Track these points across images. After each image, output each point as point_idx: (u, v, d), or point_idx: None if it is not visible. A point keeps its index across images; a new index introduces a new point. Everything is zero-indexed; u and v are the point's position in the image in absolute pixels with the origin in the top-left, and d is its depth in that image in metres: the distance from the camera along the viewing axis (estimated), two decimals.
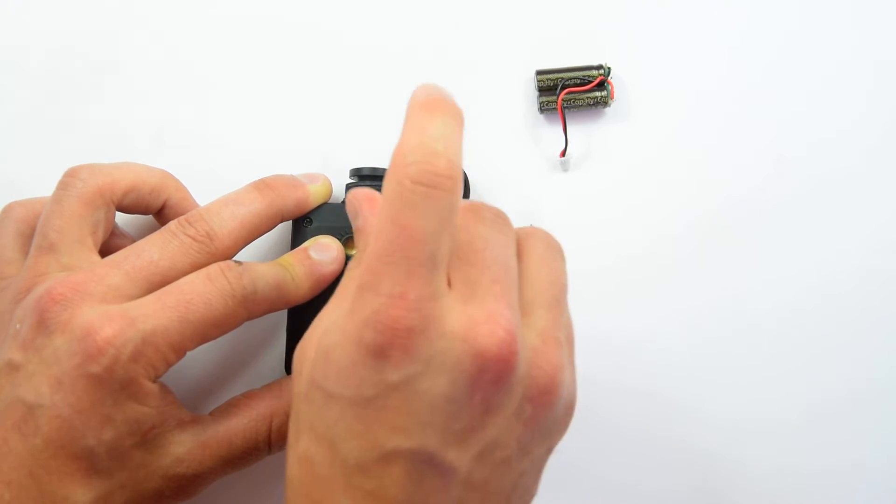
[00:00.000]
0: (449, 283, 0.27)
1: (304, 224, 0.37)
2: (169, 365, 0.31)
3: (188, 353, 0.32)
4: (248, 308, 0.32)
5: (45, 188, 0.35)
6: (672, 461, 0.40)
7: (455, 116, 0.26)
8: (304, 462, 0.26)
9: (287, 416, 0.34)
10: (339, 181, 0.39)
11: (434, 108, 0.26)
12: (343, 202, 0.38)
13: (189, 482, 0.32)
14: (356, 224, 0.32)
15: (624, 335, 0.41)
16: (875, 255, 0.41)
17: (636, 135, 0.41)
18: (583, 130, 0.41)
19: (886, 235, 0.41)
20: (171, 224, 0.33)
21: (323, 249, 0.36)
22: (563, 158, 0.41)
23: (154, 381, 0.31)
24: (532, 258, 0.29)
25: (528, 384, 0.27)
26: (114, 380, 0.30)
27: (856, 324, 0.41)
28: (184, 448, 0.32)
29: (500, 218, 0.29)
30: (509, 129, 0.41)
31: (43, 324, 0.30)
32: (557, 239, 0.31)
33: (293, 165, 0.40)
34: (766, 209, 0.41)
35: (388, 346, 0.25)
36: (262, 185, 0.35)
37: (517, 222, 0.40)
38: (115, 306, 0.30)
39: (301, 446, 0.27)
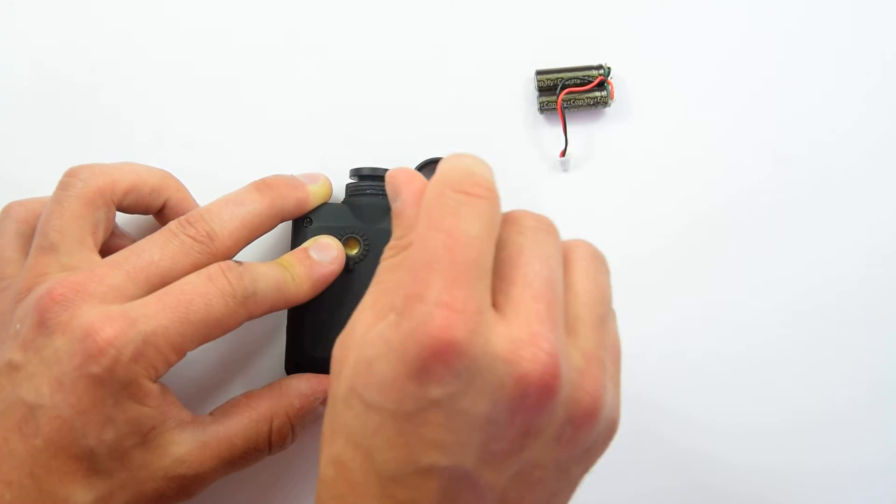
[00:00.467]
0: (497, 303, 0.26)
1: (304, 224, 0.37)
2: (169, 365, 0.31)
3: (188, 354, 0.32)
4: (249, 308, 0.32)
5: (45, 188, 0.35)
6: (670, 463, 0.40)
7: (489, 166, 0.28)
8: (338, 465, 0.26)
9: (287, 416, 0.34)
10: (338, 181, 0.39)
11: (468, 155, 0.28)
12: (343, 202, 0.38)
13: (189, 482, 0.32)
14: (395, 206, 0.30)
15: (623, 335, 0.41)
16: (876, 255, 0.41)
17: (636, 135, 0.41)
18: (583, 130, 0.41)
19: (887, 235, 0.41)
20: (172, 224, 0.33)
21: (323, 249, 0.35)
22: (563, 158, 0.41)
23: (154, 382, 0.31)
24: (578, 272, 0.29)
25: (571, 407, 0.26)
26: (114, 380, 0.30)
27: (857, 323, 0.41)
28: (184, 448, 0.32)
29: (542, 227, 0.28)
30: (509, 129, 0.41)
31: (43, 324, 0.30)
32: (601, 251, 0.30)
33: (293, 165, 0.40)
34: (766, 209, 0.41)
35: (432, 361, 0.24)
36: (262, 185, 0.35)
37: None
38: (116, 307, 0.30)
39: (336, 448, 0.26)
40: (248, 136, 0.41)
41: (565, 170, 0.41)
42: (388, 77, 0.41)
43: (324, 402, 0.35)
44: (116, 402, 0.30)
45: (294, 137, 0.41)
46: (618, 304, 0.40)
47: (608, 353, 0.28)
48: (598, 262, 0.30)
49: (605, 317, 0.29)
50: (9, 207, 0.36)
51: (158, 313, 0.30)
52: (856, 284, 0.41)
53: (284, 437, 0.35)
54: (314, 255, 0.35)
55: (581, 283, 0.28)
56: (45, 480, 0.29)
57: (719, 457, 0.40)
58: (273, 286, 0.33)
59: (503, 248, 0.27)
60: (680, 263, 0.41)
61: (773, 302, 0.41)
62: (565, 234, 0.41)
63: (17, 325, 0.31)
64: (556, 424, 0.26)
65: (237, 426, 0.33)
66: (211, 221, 0.34)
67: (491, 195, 0.26)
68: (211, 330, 0.32)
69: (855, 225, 0.41)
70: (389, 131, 0.41)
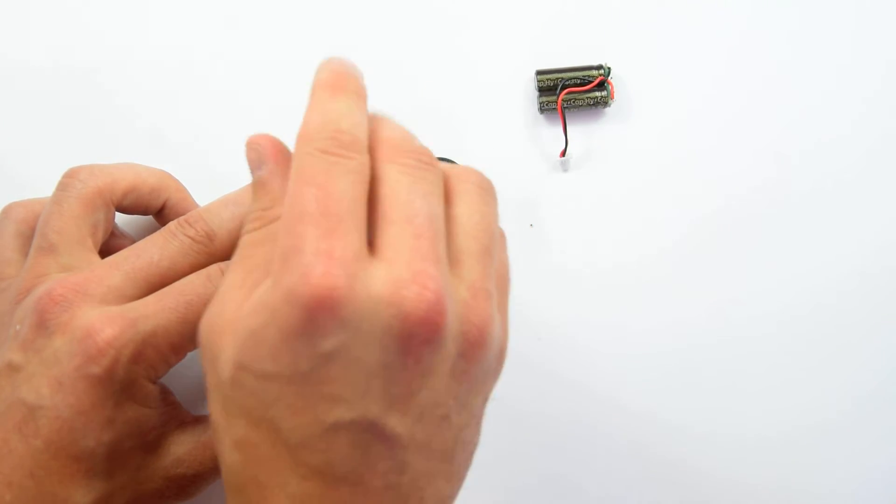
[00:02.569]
0: (371, 247, 0.26)
1: None
2: (169, 366, 0.31)
3: (188, 354, 0.32)
4: None
5: (45, 188, 0.35)
6: (666, 472, 0.40)
7: (358, 94, 0.27)
8: (243, 447, 0.26)
9: None
10: None
11: (337, 87, 0.27)
12: None
13: (190, 482, 0.32)
14: (259, 174, 0.29)
15: (623, 335, 0.41)
16: (878, 257, 0.41)
17: (636, 135, 0.41)
18: (583, 130, 0.41)
19: (890, 237, 0.41)
20: (171, 224, 0.33)
21: None
22: (563, 158, 0.41)
23: (154, 383, 0.31)
24: (462, 202, 0.28)
25: (460, 341, 0.26)
26: (114, 381, 0.30)
27: (858, 325, 0.41)
28: (184, 448, 0.32)
29: (423, 161, 0.27)
30: (509, 129, 0.41)
31: (43, 325, 0.30)
32: (489, 179, 0.30)
33: None
34: (766, 209, 0.41)
35: (318, 313, 0.24)
36: None
37: (517, 222, 0.41)
38: (116, 307, 0.30)
39: (236, 432, 0.26)
40: (248, 137, 0.41)
41: (565, 170, 0.41)
42: (388, 77, 0.41)
43: None
44: (116, 403, 0.30)
45: (294, 137, 0.41)
46: (617, 303, 0.41)
47: (494, 282, 0.28)
48: (483, 191, 0.29)
49: (489, 246, 0.28)
50: (8, 208, 0.36)
51: (158, 314, 0.30)
52: (857, 286, 0.41)
53: None
54: None
55: (465, 213, 0.28)
56: (45, 481, 0.29)
57: (720, 459, 0.40)
58: None
59: (382, 184, 0.27)
60: (680, 264, 0.41)
61: (774, 302, 0.41)
62: (564, 234, 0.41)
63: (17, 326, 0.31)
64: (448, 360, 0.26)
65: None
66: (210, 222, 0.34)
67: (359, 156, 0.26)
68: None
69: (856, 226, 0.41)
70: None
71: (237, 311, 0.26)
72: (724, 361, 0.41)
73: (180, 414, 0.32)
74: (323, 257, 0.24)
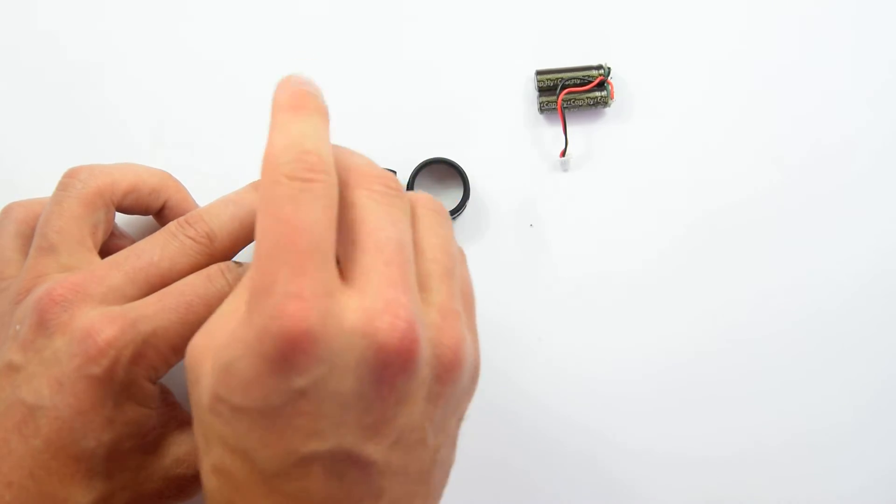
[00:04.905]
0: (342, 273, 0.26)
1: None
2: (169, 366, 0.31)
3: None
4: None
5: (45, 188, 0.35)
6: (670, 476, 0.40)
7: (319, 112, 0.27)
8: (219, 473, 0.26)
9: None
10: None
11: (298, 107, 0.27)
12: None
13: (189, 483, 0.32)
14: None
15: (623, 335, 0.41)
16: (879, 259, 0.41)
17: (636, 135, 0.41)
18: (583, 130, 0.41)
19: (891, 240, 0.41)
20: (171, 225, 0.33)
21: None
22: (563, 158, 0.41)
23: (154, 383, 0.31)
24: (421, 227, 0.29)
25: (435, 364, 0.26)
26: (114, 381, 0.30)
27: (859, 328, 0.41)
28: (184, 449, 0.32)
29: (391, 187, 0.28)
30: (509, 129, 0.41)
31: (43, 325, 0.30)
32: (440, 202, 0.31)
33: None
34: (766, 210, 0.41)
35: (290, 352, 0.24)
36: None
37: (516, 222, 0.41)
38: (116, 307, 0.30)
39: (214, 457, 0.26)
40: (248, 136, 0.41)
41: (565, 170, 0.41)
42: (388, 77, 0.41)
43: None
44: (116, 404, 0.30)
45: None
46: (617, 303, 0.40)
47: (460, 300, 0.28)
48: (438, 214, 0.30)
49: (451, 267, 0.29)
50: (8, 208, 0.36)
51: (158, 314, 0.30)
52: (858, 290, 0.41)
53: None
54: None
55: (426, 237, 0.29)
56: (45, 481, 0.29)
57: (722, 460, 0.40)
58: None
59: (351, 210, 0.27)
60: (679, 264, 0.41)
61: (774, 303, 0.41)
62: (564, 234, 0.41)
63: (17, 326, 0.31)
64: (424, 385, 0.26)
65: None
66: (210, 222, 0.33)
67: (327, 176, 0.25)
68: None
69: (856, 229, 0.41)
70: (389, 131, 0.41)
71: (220, 338, 0.26)
72: (723, 360, 0.41)
73: (180, 414, 0.33)
74: (294, 299, 0.24)
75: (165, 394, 0.32)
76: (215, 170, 0.40)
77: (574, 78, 0.40)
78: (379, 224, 0.27)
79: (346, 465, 0.25)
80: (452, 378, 0.27)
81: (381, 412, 0.25)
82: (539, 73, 0.41)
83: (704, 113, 0.41)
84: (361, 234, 0.26)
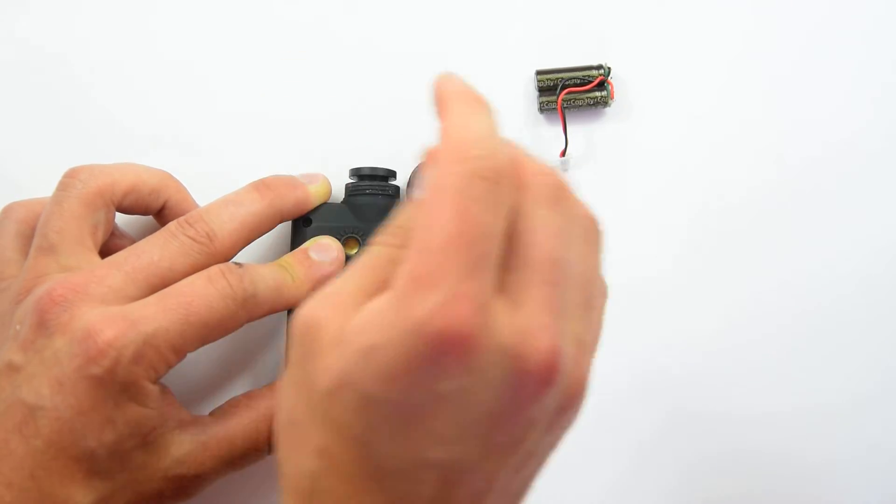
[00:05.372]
0: (505, 285, 0.24)
1: (303, 224, 0.37)
2: (170, 367, 0.31)
3: (189, 355, 0.32)
4: (249, 310, 0.32)
5: (45, 188, 0.35)
6: (677, 461, 0.40)
7: (493, 111, 0.25)
8: (325, 457, 0.25)
9: None
10: (338, 181, 0.39)
11: (476, 101, 0.25)
12: (343, 202, 0.38)
13: (189, 483, 0.32)
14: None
15: (623, 335, 0.41)
16: (880, 258, 0.41)
17: (636, 135, 0.41)
18: (583, 130, 0.41)
19: (890, 239, 0.41)
20: (171, 225, 0.33)
21: (322, 250, 0.35)
22: (563, 158, 0.41)
23: (154, 383, 0.31)
24: (581, 248, 0.27)
25: (561, 396, 0.25)
26: (115, 382, 0.30)
27: (860, 326, 0.41)
28: (184, 449, 0.32)
29: (563, 197, 0.26)
30: (509, 129, 0.41)
31: (43, 325, 0.30)
32: (599, 223, 0.28)
33: (293, 165, 0.40)
34: (767, 210, 0.41)
35: (446, 355, 0.23)
36: (261, 186, 0.35)
37: None
38: (116, 308, 0.31)
39: (322, 440, 0.25)
40: (248, 136, 0.41)
41: (565, 170, 0.41)
42: (388, 77, 0.41)
43: None
44: (117, 404, 0.30)
45: (294, 137, 0.41)
46: (617, 303, 0.40)
47: (592, 336, 0.27)
48: (599, 239, 0.28)
49: (592, 299, 0.27)
50: (9, 208, 0.36)
51: (159, 315, 0.30)
52: (860, 288, 0.41)
53: None
54: (314, 255, 0.35)
55: (582, 262, 0.26)
56: (46, 481, 0.29)
57: (726, 456, 0.40)
58: (273, 287, 0.33)
59: (524, 220, 0.25)
60: (680, 264, 0.41)
61: (774, 303, 0.41)
62: None
63: (17, 326, 0.31)
64: (548, 414, 0.25)
65: (237, 426, 0.34)
66: (210, 222, 0.34)
67: (510, 187, 0.24)
68: (211, 331, 0.32)
69: (857, 228, 0.41)
70: (389, 131, 0.41)
71: (345, 318, 0.24)
72: (722, 360, 0.41)
73: (180, 414, 0.33)
74: (462, 300, 0.22)
75: (166, 394, 0.32)
76: (215, 170, 0.40)
77: (574, 78, 0.40)
78: (546, 238, 0.25)
79: (461, 477, 0.25)
80: (571, 411, 0.26)
81: (509, 433, 0.25)
82: (539, 73, 0.41)
83: (704, 113, 0.41)
84: (527, 245, 0.25)
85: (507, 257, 0.25)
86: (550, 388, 0.24)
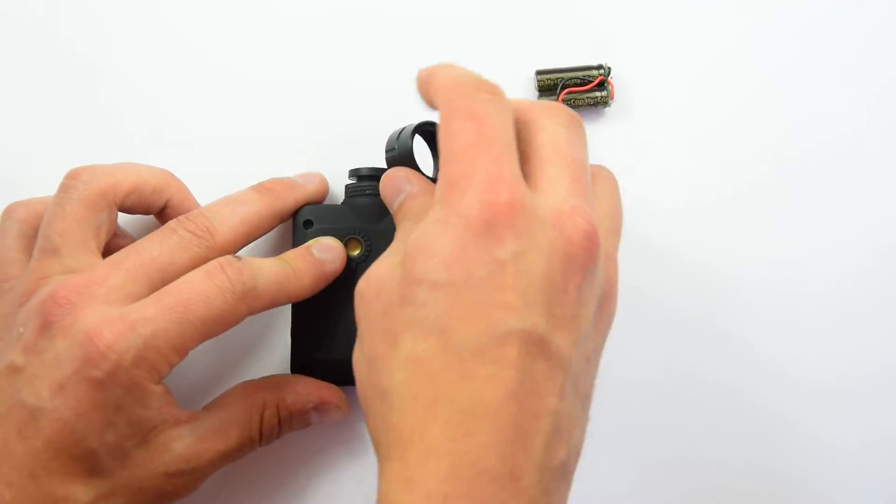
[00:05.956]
0: (529, 183, 0.27)
1: (304, 227, 0.37)
2: (172, 366, 0.31)
3: (191, 352, 0.32)
4: (249, 303, 0.32)
5: (44, 188, 0.36)
6: (672, 463, 0.40)
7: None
8: (411, 363, 0.26)
9: (277, 408, 0.35)
10: (339, 181, 0.39)
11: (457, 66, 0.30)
12: (343, 203, 0.38)
13: (189, 477, 0.33)
14: (409, 191, 0.32)
15: (624, 334, 0.41)
16: (877, 257, 0.41)
17: (636, 135, 0.41)
18: None
19: (890, 237, 0.41)
20: (171, 222, 0.34)
21: (325, 249, 0.36)
22: None
23: (158, 384, 0.31)
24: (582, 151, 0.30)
25: (602, 284, 0.28)
26: (116, 384, 0.30)
27: (858, 325, 0.41)
28: (183, 444, 0.32)
29: (575, 120, 0.30)
30: None
31: (46, 327, 0.30)
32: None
33: (293, 165, 0.40)
34: (767, 209, 0.41)
35: (495, 222, 0.25)
36: (260, 188, 0.36)
37: None
38: (116, 310, 0.31)
39: (404, 349, 0.26)
40: (248, 136, 0.41)
41: None
42: (389, 77, 0.41)
43: (317, 408, 0.36)
44: (118, 406, 0.30)
45: (294, 137, 0.41)
46: (618, 305, 0.40)
47: (617, 224, 0.31)
48: (585, 136, 0.31)
49: (619, 227, 0.31)
50: (10, 208, 0.36)
51: (158, 316, 0.31)
52: (858, 287, 0.41)
53: (272, 429, 0.35)
54: (316, 252, 0.35)
55: (587, 163, 0.30)
56: (46, 481, 0.30)
57: (722, 458, 0.40)
58: (273, 280, 0.33)
59: (540, 133, 0.29)
60: (680, 264, 0.41)
61: (774, 303, 0.41)
62: None
63: (21, 329, 0.31)
64: (594, 300, 0.27)
65: (231, 416, 0.34)
66: (210, 217, 0.34)
67: (506, 99, 0.28)
68: (211, 327, 0.32)
69: (856, 226, 0.41)
70: (390, 131, 0.41)
71: (397, 246, 0.29)
72: (722, 359, 0.41)
73: (177, 412, 0.33)
74: (498, 178, 0.26)
75: (167, 393, 0.32)
76: (215, 170, 0.40)
77: (574, 78, 0.40)
78: (569, 146, 0.28)
79: (537, 349, 0.25)
80: (610, 307, 0.29)
81: (567, 306, 0.26)
82: (539, 73, 0.41)
83: (704, 113, 0.41)
84: (551, 151, 0.28)
85: (533, 166, 0.28)
86: (594, 259, 0.27)
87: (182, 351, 0.31)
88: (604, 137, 0.41)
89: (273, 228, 0.36)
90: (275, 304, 0.34)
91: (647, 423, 0.40)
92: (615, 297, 0.29)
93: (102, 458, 0.30)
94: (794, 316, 0.41)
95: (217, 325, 0.32)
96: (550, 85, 0.40)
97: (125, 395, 0.30)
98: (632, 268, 0.40)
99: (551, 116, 0.29)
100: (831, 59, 0.42)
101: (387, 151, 0.35)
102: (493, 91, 0.28)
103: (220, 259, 0.32)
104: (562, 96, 0.40)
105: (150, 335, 0.30)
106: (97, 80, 0.41)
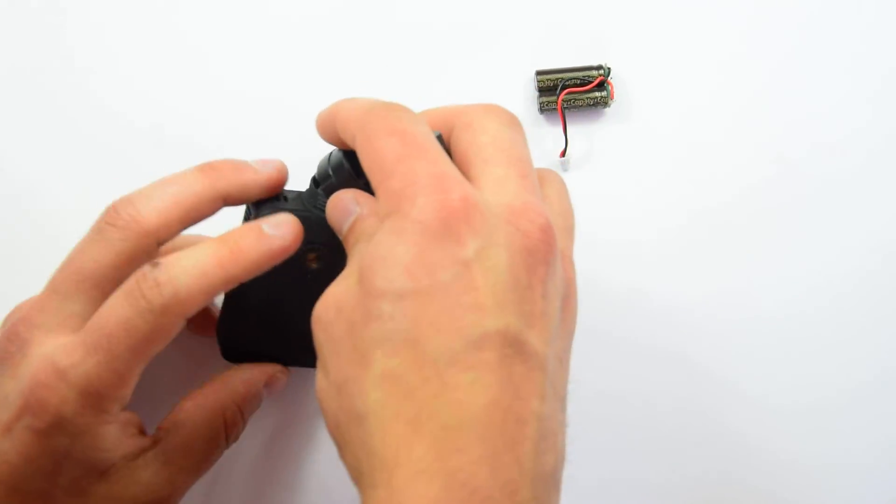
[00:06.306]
0: (475, 184, 0.27)
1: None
2: (120, 400, 0.30)
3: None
4: (175, 312, 0.29)
5: (44, 188, 0.35)
6: (675, 458, 0.40)
7: None
8: (385, 381, 0.24)
9: (236, 405, 0.33)
10: None
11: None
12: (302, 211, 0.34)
13: (163, 501, 0.31)
14: (359, 213, 0.29)
15: (624, 335, 0.41)
16: (877, 257, 0.41)
17: (636, 135, 0.41)
18: (583, 130, 0.41)
19: (890, 237, 0.41)
20: (100, 215, 0.31)
21: (277, 225, 0.31)
22: (563, 158, 0.41)
23: (111, 422, 0.30)
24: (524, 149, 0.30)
25: (563, 278, 0.27)
26: (62, 434, 0.29)
27: (858, 325, 0.41)
28: (150, 472, 0.31)
29: (515, 119, 0.29)
30: None
31: (2, 361, 0.30)
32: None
33: (293, 165, 0.40)
34: (767, 210, 0.41)
35: (452, 220, 0.24)
36: (205, 167, 0.33)
37: None
38: (49, 355, 0.29)
39: (376, 368, 0.24)
40: (248, 136, 0.41)
41: (565, 170, 0.41)
42: (389, 77, 0.41)
43: (267, 383, 0.35)
44: (67, 453, 0.29)
45: (294, 137, 0.41)
46: (618, 303, 0.40)
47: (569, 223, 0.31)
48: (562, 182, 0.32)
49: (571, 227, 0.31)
50: None
51: (86, 358, 0.29)
52: (858, 287, 0.41)
53: (237, 427, 0.34)
54: (266, 229, 0.31)
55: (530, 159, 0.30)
56: None
57: (720, 457, 0.40)
58: (200, 274, 0.29)
59: (482, 134, 0.28)
60: (679, 263, 0.41)
61: (774, 303, 0.41)
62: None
63: None
64: (558, 297, 0.27)
65: (194, 430, 0.32)
66: (137, 203, 0.31)
67: (410, 110, 0.28)
68: (143, 352, 0.29)
69: (856, 227, 0.41)
70: None
71: (352, 267, 0.27)
72: (722, 359, 0.41)
73: (138, 441, 0.31)
74: (443, 177, 0.25)
75: (126, 426, 0.31)
76: None
77: (574, 78, 0.40)
78: (513, 145, 0.28)
79: (514, 352, 0.24)
80: (573, 301, 0.28)
81: (535, 302, 0.25)
82: (539, 73, 0.41)
83: (704, 113, 0.41)
84: (495, 150, 0.27)
85: (477, 168, 0.27)
86: (552, 253, 0.26)
87: (121, 386, 0.29)
88: (604, 137, 0.41)
89: (217, 210, 0.33)
90: (211, 293, 0.30)
91: (637, 426, 0.40)
92: (575, 294, 0.28)
93: (58, 497, 0.29)
94: (793, 315, 0.41)
95: (149, 346, 0.29)
96: (550, 85, 0.40)
97: (74, 443, 0.29)
98: (631, 267, 0.41)
99: (491, 117, 0.28)
100: (831, 57, 0.42)
101: (321, 181, 0.33)
102: (404, 108, 0.28)
103: (137, 273, 0.29)
104: (562, 96, 0.40)
105: (84, 382, 0.28)
106: (97, 80, 0.41)
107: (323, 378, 0.27)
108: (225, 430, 0.33)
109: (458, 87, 0.41)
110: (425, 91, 0.41)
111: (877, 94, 0.42)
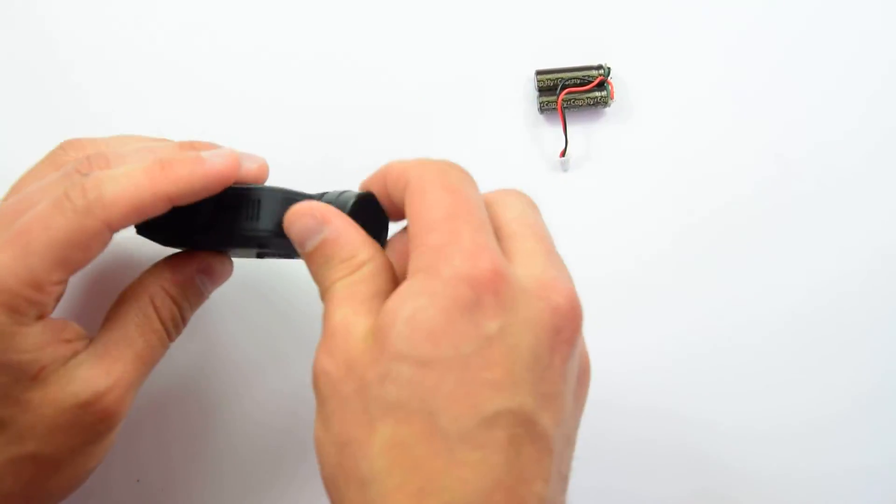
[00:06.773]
0: (505, 257, 0.27)
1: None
2: (36, 303, 0.29)
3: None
4: (99, 216, 0.28)
5: None
6: (674, 468, 0.40)
7: None
8: (393, 449, 0.24)
9: (164, 290, 0.32)
10: (339, 181, 0.39)
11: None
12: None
13: (108, 399, 0.30)
14: (325, 234, 0.28)
15: (624, 335, 0.41)
16: (878, 257, 0.41)
17: (636, 135, 0.41)
18: (583, 130, 0.41)
19: (890, 238, 0.41)
20: (66, 163, 0.31)
21: (216, 154, 0.30)
22: (563, 158, 0.41)
23: (31, 324, 0.29)
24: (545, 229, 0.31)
25: (581, 358, 0.27)
26: None
27: (859, 325, 0.41)
28: (84, 368, 0.30)
29: (534, 202, 0.30)
30: (509, 129, 0.41)
31: None
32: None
33: (293, 164, 0.40)
34: (767, 210, 0.41)
35: (482, 291, 0.25)
36: (165, 164, 0.30)
37: None
38: None
39: (385, 434, 0.24)
40: (248, 136, 0.41)
41: (565, 170, 0.41)
42: (389, 77, 0.41)
43: (202, 271, 0.33)
44: None
45: (294, 136, 0.41)
46: (618, 303, 0.40)
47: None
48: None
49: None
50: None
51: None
52: (858, 286, 0.41)
53: (171, 314, 0.32)
54: (204, 154, 0.30)
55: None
56: None
57: (721, 460, 0.40)
58: (129, 184, 0.28)
59: (507, 210, 0.29)
60: (680, 263, 0.41)
61: (774, 303, 0.41)
62: (564, 235, 0.40)
63: None
64: (574, 376, 0.27)
65: (125, 320, 0.31)
66: (102, 186, 0.29)
67: (471, 175, 0.29)
68: (61, 252, 0.28)
69: (857, 227, 0.41)
70: (390, 131, 0.41)
71: (365, 327, 0.26)
72: (722, 360, 0.41)
73: (71, 345, 0.30)
74: (482, 248, 0.25)
75: (53, 329, 0.29)
76: None
77: (574, 78, 0.40)
78: (536, 222, 0.29)
79: (525, 432, 0.24)
80: (587, 381, 0.28)
81: (552, 382, 0.25)
82: (539, 73, 0.41)
83: (704, 113, 0.41)
84: (522, 226, 0.28)
85: (511, 240, 0.28)
86: (578, 335, 0.26)
87: (38, 285, 0.28)
88: (604, 137, 0.41)
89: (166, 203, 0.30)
90: (139, 207, 0.29)
91: (630, 429, 0.40)
92: (589, 372, 0.28)
93: None
94: (794, 314, 0.41)
95: (68, 249, 0.28)
96: (550, 85, 0.40)
97: None
98: (631, 267, 0.41)
99: (514, 197, 0.29)
100: (830, 57, 0.42)
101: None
102: (462, 168, 0.28)
103: (65, 179, 0.29)
104: (562, 96, 0.40)
105: None
106: (98, 81, 0.41)
107: (323, 432, 0.26)
108: (158, 317, 0.32)
109: (459, 87, 0.41)
110: (425, 91, 0.41)
111: (876, 94, 0.42)
